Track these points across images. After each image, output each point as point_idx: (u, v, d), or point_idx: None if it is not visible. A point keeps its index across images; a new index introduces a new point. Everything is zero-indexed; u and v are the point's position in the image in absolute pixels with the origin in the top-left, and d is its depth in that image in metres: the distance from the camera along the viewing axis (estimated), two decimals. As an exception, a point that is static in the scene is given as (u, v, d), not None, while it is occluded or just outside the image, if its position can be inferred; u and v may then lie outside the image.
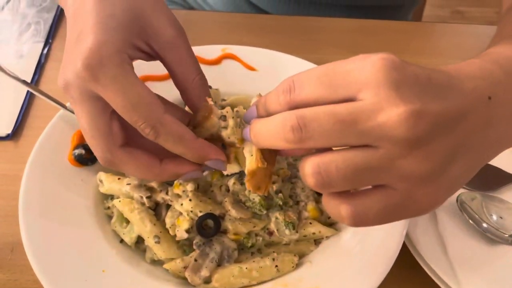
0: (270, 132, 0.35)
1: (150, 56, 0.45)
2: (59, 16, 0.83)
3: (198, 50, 0.67)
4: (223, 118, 0.43)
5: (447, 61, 0.80)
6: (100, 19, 0.40)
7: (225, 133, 0.43)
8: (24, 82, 0.61)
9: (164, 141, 0.41)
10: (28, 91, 0.70)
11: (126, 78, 0.39)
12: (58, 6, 0.84)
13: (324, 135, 0.32)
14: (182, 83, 0.46)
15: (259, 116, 0.39)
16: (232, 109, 0.44)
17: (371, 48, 0.80)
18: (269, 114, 0.37)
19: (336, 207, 0.35)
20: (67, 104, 0.58)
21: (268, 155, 0.40)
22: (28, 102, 0.70)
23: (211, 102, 0.43)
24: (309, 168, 0.33)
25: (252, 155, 0.40)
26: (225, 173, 0.49)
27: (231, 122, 0.43)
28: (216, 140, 0.44)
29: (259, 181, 0.41)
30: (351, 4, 0.93)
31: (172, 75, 0.46)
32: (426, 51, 0.82)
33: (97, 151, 0.42)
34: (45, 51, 0.77)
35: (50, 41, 0.79)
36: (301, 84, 0.34)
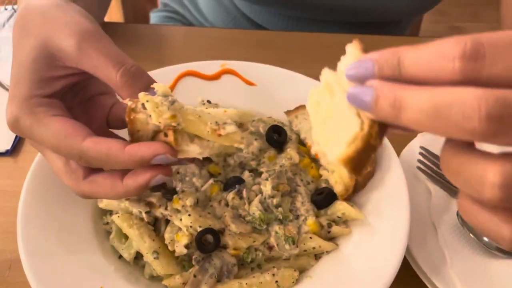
0: (444, 113, 0.25)
1: (83, 73, 0.44)
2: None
3: (198, 66, 0.68)
4: (142, 107, 0.40)
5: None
6: (13, 69, 0.44)
7: (153, 121, 0.40)
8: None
9: (95, 165, 0.41)
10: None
11: (38, 123, 0.41)
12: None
13: None
14: (110, 87, 0.43)
15: (382, 77, 0.28)
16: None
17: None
18: (404, 81, 0.27)
19: (498, 226, 0.27)
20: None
21: (379, 129, 0.30)
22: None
23: (128, 102, 0.41)
24: (496, 177, 0.25)
25: (361, 123, 0.30)
26: (180, 156, 0.42)
27: (149, 106, 0.39)
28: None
29: (359, 161, 0.31)
30: (348, 21, 0.94)
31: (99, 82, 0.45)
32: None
33: (70, 189, 0.45)
34: (45, 68, 0.77)
35: (51, 57, 0.79)
36: (497, 52, 0.25)
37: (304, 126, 0.59)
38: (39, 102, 0.42)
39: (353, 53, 0.32)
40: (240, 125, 0.61)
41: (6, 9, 0.88)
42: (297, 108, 0.61)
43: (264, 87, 0.66)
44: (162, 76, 0.66)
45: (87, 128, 0.42)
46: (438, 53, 0.26)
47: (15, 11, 0.88)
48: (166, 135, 0.41)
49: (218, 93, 0.65)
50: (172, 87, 0.65)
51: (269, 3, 0.92)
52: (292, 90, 0.65)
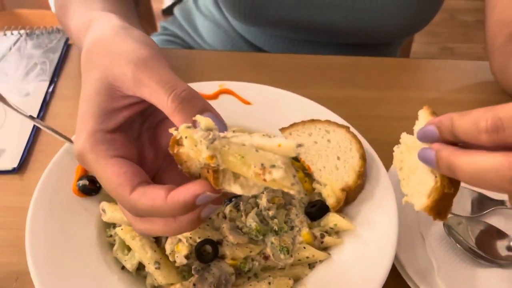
0: (481, 176, 0.32)
1: (146, 101, 0.44)
2: (64, 56, 0.88)
3: (197, 87, 0.70)
4: (180, 142, 0.38)
5: (432, 95, 0.84)
6: (80, 103, 0.44)
7: (194, 158, 0.37)
8: (31, 117, 0.64)
9: (146, 216, 0.41)
10: (34, 126, 0.74)
11: (97, 163, 0.41)
12: (64, 47, 0.89)
13: None
14: (165, 114, 0.43)
15: (443, 140, 0.36)
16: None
17: (362, 83, 0.85)
18: (459, 141, 0.35)
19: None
20: (72, 137, 0.61)
21: (450, 179, 0.37)
22: (34, 137, 0.73)
23: (173, 132, 0.38)
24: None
25: (435, 177, 0.37)
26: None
27: (187, 142, 0.37)
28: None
29: (441, 207, 0.37)
30: (342, 42, 0.98)
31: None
32: (413, 85, 0.86)
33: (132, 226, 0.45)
34: (50, 89, 0.81)
35: (55, 79, 0.83)
36: None
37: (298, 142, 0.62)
38: (101, 140, 0.42)
39: (423, 117, 0.39)
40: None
41: (12, 33, 0.92)
42: (291, 126, 0.64)
43: (260, 106, 0.70)
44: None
45: (141, 174, 0.41)
46: (473, 125, 0.33)
47: (21, 35, 0.92)
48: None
49: (216, 112, 0.68)
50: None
51: (265, 26, 0.96)
52: (287, 108, 0.68)
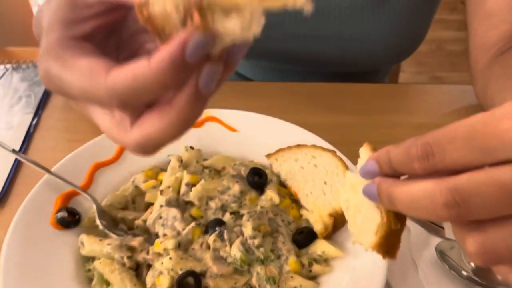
0: (416, 204, 0.31)
1: (110, 12, 0.38)
2: (50, 88, 0.87)
3: (182, 115, 0.70)
4: None
5: (421, 119, 0.83)
6: (44, 26, 0.38)
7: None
8: (13, 151, 0.63)
9: (131, 100, 0.32)
10: (15, 159, 0.72)
11: (65, 67, 0.34)
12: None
13: (488, 209, 0.29)
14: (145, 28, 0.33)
15: (384, 174, 0.35)
16: None
17: (349, 108, 0.84)
18: (398, 173, 0.34)
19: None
20: (52, 169, 0.60)
21: (396, 214, 0.36)
22: (15, 170, 0.71)
23: None
24: (473, 248, 0.30)
25: (381, 213, 0.36)
26: (220, 45, 0.30)
27: None
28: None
29: (390, 244, 0.36)
30: (330, 71, 0.98)
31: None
32: (401, 110, 0.86)
33: (125, 147, 0.36)
34: (34, 121, 0.80)
35: (40, 112, 0.82)
36: (443, 149, 0.31)
37: (284, 168, 0.61)
38: (66, 44, 0.36)
39: (365, 154, 0.39)
40: (223, 169, 0.62)
41: (-1, 68, 0.91)
42: (277, 151, 0.63)
43: (246, 133, 0.69)
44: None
45: (114, 62, 0.34)
46: (406, 155, 0.33)
47: (7, 69, 0.91)
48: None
49: (201, 139, 0.67)
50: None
51: (254, 57, 0.96)
52: (272, 135, 0.67)
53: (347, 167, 0.58)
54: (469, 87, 0.88)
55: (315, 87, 0.90)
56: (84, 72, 0.33)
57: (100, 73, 0.32)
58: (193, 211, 0.55)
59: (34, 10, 2.67)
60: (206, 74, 0.31)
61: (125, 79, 0.31)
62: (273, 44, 0.90)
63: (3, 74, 0.90)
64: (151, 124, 0.33)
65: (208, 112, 0.72)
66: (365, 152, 0.39)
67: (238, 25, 0.28)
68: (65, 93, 0.35)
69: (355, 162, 0.63)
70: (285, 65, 0.97)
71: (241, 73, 1.03)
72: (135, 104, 0.33)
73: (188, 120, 0.33)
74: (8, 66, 0.92)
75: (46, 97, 0.85)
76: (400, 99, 0.90)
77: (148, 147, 0.34)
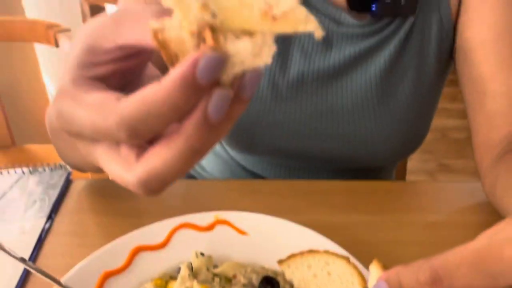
0: None
1: (126, 59, 0.38)
2: (64, 191, 0.89)
3: (193, 218, 0.71)
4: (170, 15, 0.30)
5: (432, 217, 0.83)
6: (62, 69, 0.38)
7: (182, 21, 0.29)
8: (21, 259, 0.63)
9: (142, 128, 0.30)
10: (24, 268, 0.71)
11: (75, 104, 0.33)
12: (64, 183, 0.91)
13: None
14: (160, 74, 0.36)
15: None
16: None
17: (361, 208, 0.84)
18: None
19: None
20: (62, 280, 0.59)
21: None
22: (24, 279, 0.70)
23: (152, 24, 0.30)
24: None
25: None
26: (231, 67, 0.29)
27: (171, 2, 0.29)
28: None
29: None
30: (336, 168, 1.00)
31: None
32: (412, 208, 0.86)
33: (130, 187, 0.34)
34: (46, 226, 0.80)
35: (53, 216, 0.83)
36: (450, 275, 0.32)
37: (297, 276, 0.59)
38: (80, 83, 0.35)
39: (375, 272, 0.40)
40: (234, 276, 0.61)
41: (16, 172, 0.94)
42: (289, 257, 0.62)
43: (257, 236, 0.69)
44: (158, 229, 0.69)
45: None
46: (415, 279, 0.34)
47: (23, 173, 0.94)
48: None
49: (211, 243, 0.67)
50: (167, 241, 0.67)
51: (261, 155, 0.99)
52: (283, 238, 0.67)
53: (362, 275, 0.57)
54: (479, 184, 0.89)
55: (323, 185, 0.91)
56: (95, 104, 0.32)
57: (111, 103, 0.31)
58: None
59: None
60: (215, 98, 0.29)
61: (134, 103, 0.29)
62: (279, 142, 0.93)
63: (19, 179, 0.93)
64: (156, 156, 0.31)
65: (218, 215, 0.72)
66: (375, 270, 0.40)
67: (249, 47, 0.28)
68: (76, 131, 0.34)
69: (367, 264, 0.62)
70: (292, 162, 1.00)
71: (249, 169, 1.05)
72: (145, 132, 0.30)
73: (196, 150, 0.31)
74: (25, 169, 0.94)
75: (60, 200, 0.87)
76: (410, 196, 0.90)
77: (153, 183, 0.32)
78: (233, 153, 1.05)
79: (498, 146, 0.72)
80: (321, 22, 0.82)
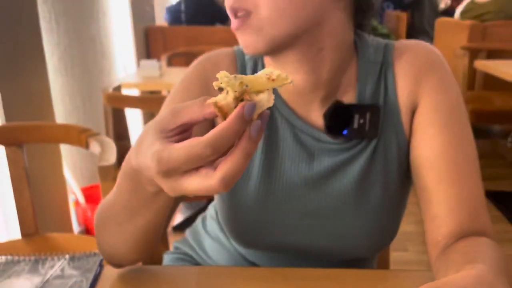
0: None
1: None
2: (98, 274, 1.07)
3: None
4: (219, 91, 0.57)
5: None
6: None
7: (230, 92, 0.55)
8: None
9: (224, 147, 0.55)
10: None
11: (168, 148, 0.57)
12: (98, 268, 1.09)
13: None
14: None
15: None
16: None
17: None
18: None
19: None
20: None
21: None
22: None
23: (210, 100, 0.56)
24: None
25: None
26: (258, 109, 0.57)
27: (224, 83, 0.54)
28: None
29: None
30: (324, 258, 1.17)
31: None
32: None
33: (213, 193, 0.57)
34: (85, 304, 0.97)
35: (90, 295, 1.00)
36: None
37: None
38: (162, 140, 0.59)
39: None
40: None
41: (59, 259, 1.13)
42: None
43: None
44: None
45: None
46: None
47: (65, 260, 1.13)
48: (242, 100, 0.55)
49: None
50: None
51: (257, 248, 1.18)
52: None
53: None
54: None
55: (313, 272, 1.04)
56: (186, 144, 0.55)
57: (198, 137, 0.55)
58: None
59: (71, 198, 3.01)
60: (253, 126, 0.55)
61: (215, 132, 0.54)
62: (275, 238, 1.11)
63: (61, 264, 1.11)
64: (227, 163, 0.54)
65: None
66: None
67: (266, 96, 0.55)
68: (173, 167, 0.56)
69: None
70: (286, 254, 1.17)
71: (250, 260, 1.23)
72: (220, 149, 0.54)
73: (247, 154, 0.55)
74: (66, 257, 1.13)
75: (95, 281, 1.05)
76: (392, 284, 1.02)
77: (229, 180, 0.55)
78: (237, 246, 1.24)
79: (441, 243, 0.92)
80: (305, 140, 1.05)
